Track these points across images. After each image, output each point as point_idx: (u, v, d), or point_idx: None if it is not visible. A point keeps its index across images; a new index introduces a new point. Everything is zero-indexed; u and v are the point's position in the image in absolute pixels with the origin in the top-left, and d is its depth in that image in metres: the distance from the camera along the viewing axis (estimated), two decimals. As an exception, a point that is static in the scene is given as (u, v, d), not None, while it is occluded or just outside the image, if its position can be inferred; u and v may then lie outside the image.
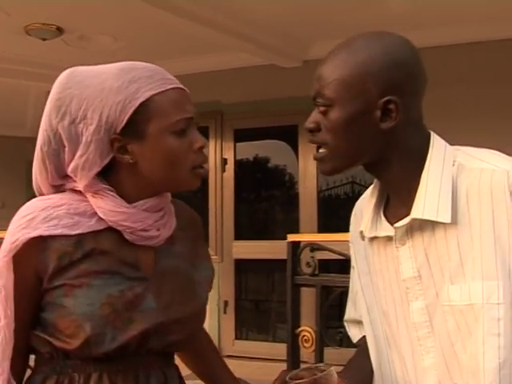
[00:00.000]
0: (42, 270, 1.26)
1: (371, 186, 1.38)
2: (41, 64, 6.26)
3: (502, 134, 5.67)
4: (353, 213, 1.48)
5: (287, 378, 1.18)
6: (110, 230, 1.29)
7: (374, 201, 1.32)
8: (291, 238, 3.44)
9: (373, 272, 1.35)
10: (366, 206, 1.35)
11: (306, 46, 6.12)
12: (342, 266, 5.43)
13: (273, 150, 7.49)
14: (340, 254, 4.30)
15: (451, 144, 1.30)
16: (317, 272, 3.45)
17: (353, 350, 1.50)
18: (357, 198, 1.49)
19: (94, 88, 1.26)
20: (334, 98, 1.21)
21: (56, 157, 1.32)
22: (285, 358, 3.57)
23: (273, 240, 6.15)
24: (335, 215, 6.46)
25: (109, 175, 1.31)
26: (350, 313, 1.53)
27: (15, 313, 1.24)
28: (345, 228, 1.56)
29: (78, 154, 1.27)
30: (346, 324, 1.55)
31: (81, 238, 1.27)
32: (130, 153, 1.27)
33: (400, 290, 1.27)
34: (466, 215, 1.17)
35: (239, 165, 7.38)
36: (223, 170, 7.26)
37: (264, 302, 7.11)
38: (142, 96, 1.25)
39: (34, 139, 1.40)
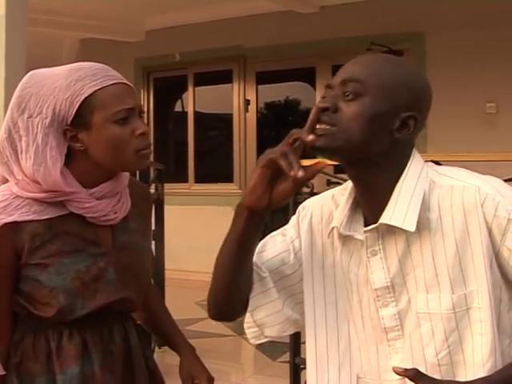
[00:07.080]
0: (18, 249, 1.44)
1: (342, 190, 1.38)
2: (75, 14, 6.61)
3: (506, 73, 5.99)
4: (302, 208, 1.46)
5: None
6: (74, 214, 1.47)
7: (350, 200, 1.33)
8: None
9: (329, 267, 1.37)
10: (342, 203, 1.34)
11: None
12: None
13: (292, 91, 7.87)
14: (332, 176, 4.87)
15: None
16: (314, 191, 3.87)
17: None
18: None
19: (48, 87, 1.44)
20: (373, 89, 1.22)
21: (14, 144, 1.47)
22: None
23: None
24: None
25: (66, 163, 1.47)
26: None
27: (1, 284, 1.45)
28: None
29: (40, 147, 1.43)
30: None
31: (50, 221, 1.45)
32: (81, 141, 1.44)
33: (368, 295, 1.30)
34: (439, 228, 1.22)
35: (261, 105, 7.75)
36: (246, 111, 7.65)
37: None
38: (86, 92, 1.42)
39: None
